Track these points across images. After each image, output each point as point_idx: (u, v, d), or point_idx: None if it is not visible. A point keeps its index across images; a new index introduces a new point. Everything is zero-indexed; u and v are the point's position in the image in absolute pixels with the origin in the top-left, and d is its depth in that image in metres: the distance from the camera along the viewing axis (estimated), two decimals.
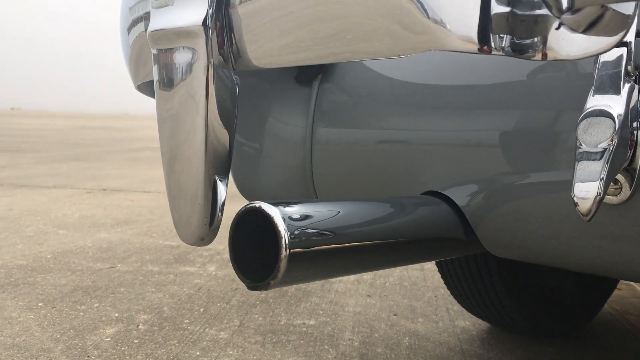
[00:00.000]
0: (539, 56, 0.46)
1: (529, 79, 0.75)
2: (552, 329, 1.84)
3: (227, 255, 2.71)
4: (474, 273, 1.66)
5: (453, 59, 0.83)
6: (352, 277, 2.45)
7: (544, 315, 1.76)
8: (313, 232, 0.62)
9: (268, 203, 0.60)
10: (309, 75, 0.98)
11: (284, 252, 0.58)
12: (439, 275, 1.83)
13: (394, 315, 2.01)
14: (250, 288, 0.60)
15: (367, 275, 2.49)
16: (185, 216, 0.77)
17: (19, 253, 2.65)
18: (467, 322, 1.97)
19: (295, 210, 0.62)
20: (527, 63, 0.75)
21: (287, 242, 0.58)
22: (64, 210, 3.80)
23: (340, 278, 2.43)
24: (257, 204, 0.60)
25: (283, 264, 0.58)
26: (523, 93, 0.75)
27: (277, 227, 0.59)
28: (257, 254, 0.63)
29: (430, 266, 2.65)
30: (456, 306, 2.10)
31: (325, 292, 2.24)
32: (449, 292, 1.87)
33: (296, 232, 0.60)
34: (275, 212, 0.59)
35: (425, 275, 2.55)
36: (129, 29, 0.96)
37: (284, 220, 0.59)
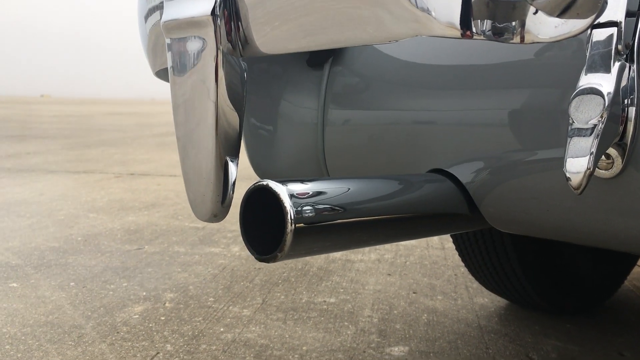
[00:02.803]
0: (517, 39, 0.49)
1: (531, 59, 0.77)
2: (570, 306, 1.86)
3: None
4: (491, 251, 1.68)
5: (458, 42, 0.85)
6: (373, 257, 2.49)
7: (561, 292, 1.78)
8: (318, 208, 0.66)
9: (275, 181, 0.64)
10: (320, 59, 1.01)
11: (290, 227, 0.62)
12: None
13: (414, 293, 2.05)
14: (259, 260, 0.65)
15: (388, 255, 2.53)
16: (199, 195, 0.82)
17: (51, 236, 2.75)
18: (485, 300, 2.00)
19: (301, 188, 0.66)
20: (528, 45, 0.77)
21: (292, 217, 0.62)
22: (93, 195, 3.91)
23: (362, 258, 2.47)
24: (265, 182, 0.65)
25: (289, 238, 0.62)
26: (524, 73, 0.77)
27: (283, 203, 0.63)
28: (266, 228, 0.68)
29: (452, 245, 2.67)
30: (475, 284, 2.13)
31: (346, 271, 2.29)
32: (468, 271, 1.90)
33: (301, 208, 0.64)
34: (281, 190, 0.63)
35: (446, 254, 2.58)
36: (146, 19, 1.01)
37: (290, 197, 0.63)
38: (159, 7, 0.90)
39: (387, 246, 2.68)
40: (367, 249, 2.63)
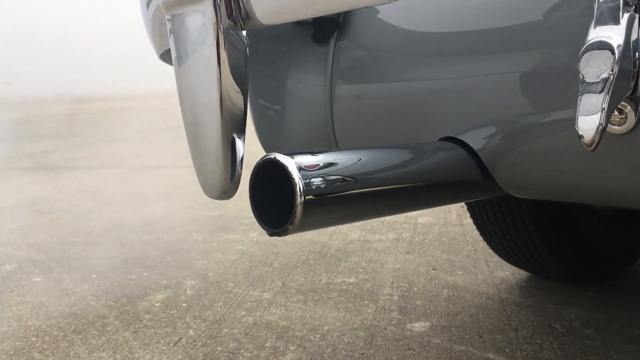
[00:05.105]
0: None
1: (539, 19, 0.76)
2: (590, 275, 1.84)
3: None
4: (509, 223, 1.67)
5: (464, 6, 0.84)
6: (391, 236, 2.49)
7: (580, 261, 1.76)
8: (328, 179, 0.65)
9: (283, 154, 0.64)
10: (325, 34, 1.00)
11: (299, 199, 0.62)
12: None
13: (433, 269, 2.04)
14: (270, 234, 0.65)
15: (406, 234, 2.52)
16: (209, 174, 0.82)
17: (71, 230, 2.78)
18: (506, 273, 1.99)
19: (310, 159, 0.65)
20: (536, 4, 0.76)
21: (301, 189, 0.62)
22: (112, 189, 3.94)
23: (379, 237, 2.46)
24: (273, 155, 0.64)
25: (299, 210, 0.62)
26: (532, 35, 0.76)
27: (292, 176, 0.62)
28: (277, 203, 0.67)
29: (470, 222, 2.65)
30: (495, 258, 2.12)
31: (364, 251, 2.29)
32: (488, 245, 1.88)
33: (310, 180, 0.63)
34: (289, 162, 0.63)
35: (464, 230, 2.56)
36: (148, 4, 1.01)
37: (299, 169, 0.63)
38: None
39: (405, 225, 2.67)
40: (384, 228, 2.62)
